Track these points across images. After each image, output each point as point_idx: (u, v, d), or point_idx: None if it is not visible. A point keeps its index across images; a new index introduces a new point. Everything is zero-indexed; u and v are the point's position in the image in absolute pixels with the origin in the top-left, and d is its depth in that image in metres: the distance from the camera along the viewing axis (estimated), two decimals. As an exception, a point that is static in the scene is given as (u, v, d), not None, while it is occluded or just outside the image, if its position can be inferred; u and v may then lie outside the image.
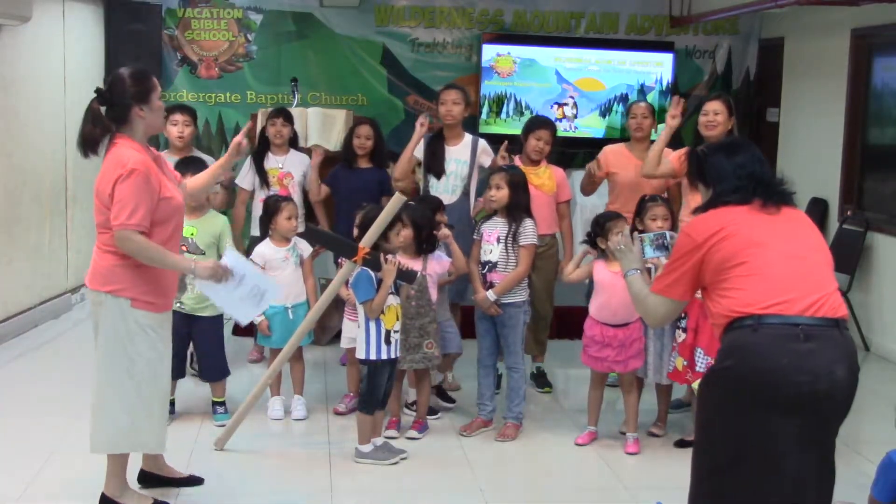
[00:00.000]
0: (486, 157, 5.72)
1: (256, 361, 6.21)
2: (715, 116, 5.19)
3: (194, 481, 4.27)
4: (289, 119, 6.08)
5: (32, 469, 4.38)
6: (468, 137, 5.75)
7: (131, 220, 3.61)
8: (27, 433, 4.83)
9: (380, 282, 4.47)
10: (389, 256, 4.53)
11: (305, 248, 5.23)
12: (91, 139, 3.72)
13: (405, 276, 4.56)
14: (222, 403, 5.12)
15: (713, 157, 3.19)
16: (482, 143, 5.78)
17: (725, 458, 2.90)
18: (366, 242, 4.41)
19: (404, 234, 4.80)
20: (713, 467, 2.95)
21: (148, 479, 4.20)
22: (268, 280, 4.23)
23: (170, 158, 5.28)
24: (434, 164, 5.67)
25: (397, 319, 4.58)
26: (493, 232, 4.93)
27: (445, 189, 5.64)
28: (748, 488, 2.87)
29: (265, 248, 5.16)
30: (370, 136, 5.97)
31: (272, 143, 6.04)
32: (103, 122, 3.71)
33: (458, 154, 5.69)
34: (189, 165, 4.80)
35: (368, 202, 5.04)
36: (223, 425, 4.81)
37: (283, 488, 4.31)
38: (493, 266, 4.90)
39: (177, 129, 5.67)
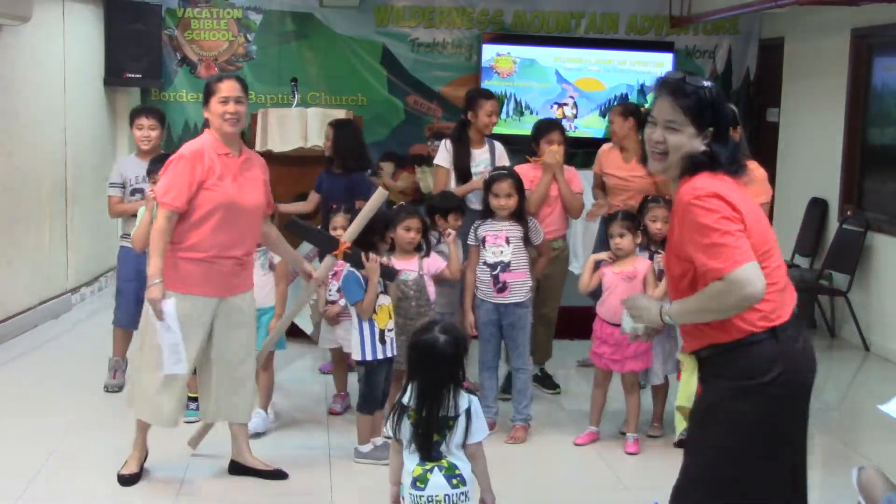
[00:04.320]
0: (504, 159, 5.79)
1: None
2: None
3: (279, 475, 4.38)
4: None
5: (32, 469, 4.38)
6: (486, 140, 5.81)
7: (164, 197, 3.99)
8: (27, 433, 4.83)
9: (367, 281, 4.48)
10: (371, 255, 4.52)
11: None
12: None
13: (385, 273, 4.56)
14: (195, 399, 5.06)
15: (724, 103, 2.77)
16: (499, 145, 5.83)
17: (766, 469, 2.72)
18: (347, 237, 4.40)
19: (414, 236, 4.81)
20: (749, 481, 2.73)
21: (236, 469, 4.41)
22: (184, 350, 4.05)
23: (138, 161, 5.47)
24: (463, 166, 5.68)
25: (390, 318, 4.58)
26: (500, 234, 4.92)
27: None
28: (770, 485, 2.75)
29: None
30: (329, 137, 5.99)
31: None
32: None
33: (482, 156, 5.74)
34: (159, 163, 4.95)
35: (340, 206, 5.05)
36: (191, 421, 4.75)
37: (283, 488, 4.31)
38: (506, 266, 4.89)
39: (142, 132, 5.52)
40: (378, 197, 4.37)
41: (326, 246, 4.53)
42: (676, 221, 2.74)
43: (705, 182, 2.68)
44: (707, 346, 2.75)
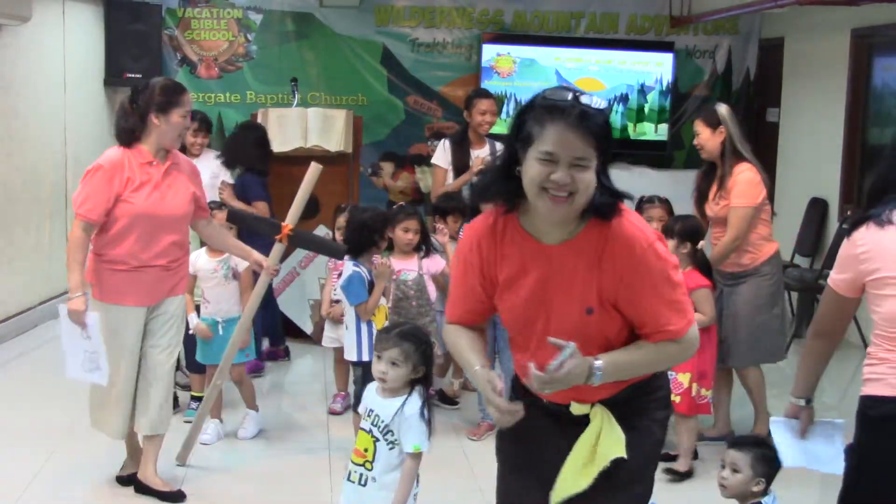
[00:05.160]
0: None
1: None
2: (697, 138, 4.85)
3: (178, 497, 4.16)
4: (205, 124, 5.99)
5: (33, 468, 4.38)
6: (487, 141, 5.81)
7: (79, 208, 3.90)
8: (27, 433, 4.84)
9: (370, 283, 4.48)
10: (380, 260, 4.51)
11: (240, 262, 4.80)
12: (122, 131, 4.01)
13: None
14: (199, 399, 4.95)
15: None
16: (500, 146, 5.82)
17: None
18: (290, 220, 4.28)
19: (412, 237, 4.82)
20: None
21: (128, 482, 4.23)
22: (104, 361, 4.01)
23: None
24: (462, 166, 5.69)
25: (386, 319, 4.59)
26: None
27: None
28: None
29: (198, 258, 4.87)
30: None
31: (189, 151, 5.77)
32: (129, 118, 3.98)
33: (482, 156, 5.74)
34: None
35: (347, 206, 5.04)
36: (191, 421, 4.71)
37: (283, 488, 4.32)
38: None
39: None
40: (312, 172, 4.22)
41: (269, 231, 4.44)
42: (611, 264, 2.27)
43: (642, 221, 2.35)
44: (627, 387, 2.41)
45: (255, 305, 4.41)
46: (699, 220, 4.76)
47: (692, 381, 4.46)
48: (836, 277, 2.83)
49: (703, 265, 4.55)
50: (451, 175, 5.73)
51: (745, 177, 4.68)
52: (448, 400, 5.47)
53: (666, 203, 5.03)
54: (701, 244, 4.58)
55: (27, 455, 4.53)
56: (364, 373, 4.58)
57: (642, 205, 4.98)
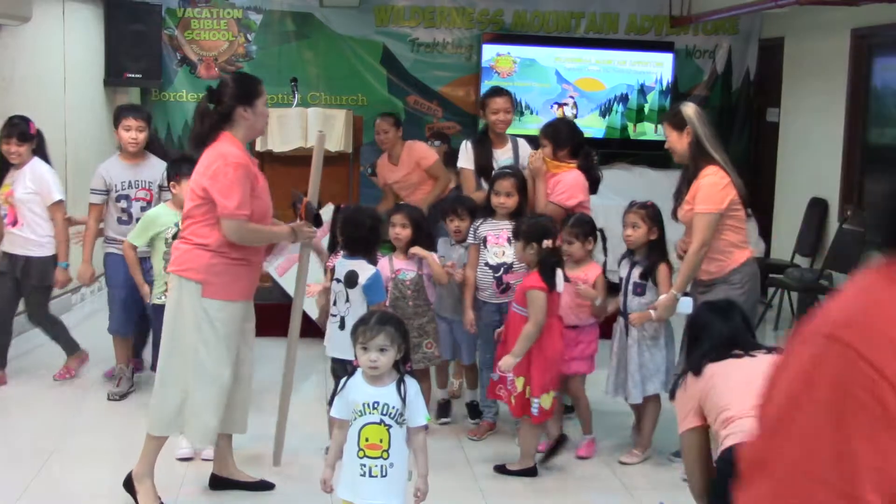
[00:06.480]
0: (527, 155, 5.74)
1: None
2: (667, 142, 4.63)
3: (265, 486, 4.24)
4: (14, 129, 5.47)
5: (32, 469, 4.37)
6: (510, 139, 5.72)
7: (240, 209, 3.76)
8: (27, 433, 4.83)
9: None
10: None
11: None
12: (199, 135, 3.92)
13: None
14: None
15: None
16: (522, 141, 5.74)
17: None
18: (309, 196, 4.16)
19: (403, 234, 4.82)
20: None
21: (219, 483, 4.23)
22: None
23: (121, 163, 5.37)
24: (483, 166, 5.57)
25: None
26: (501, 233, 4.87)
27: None
28: None
29: None
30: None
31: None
32: (211, 119, 3.88)
33: (504, 156, 5.66)
34: (183, 165, 4.74)
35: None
36: None
37: (283, 489, 4.31)
38: (508, 267, 4.83)
39: (129, 134, 5.27)
40: (319, 141, 4.14)
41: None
42: None
43: None
44: None
45: (304, 284, 4.25)
46: (548, 220, 4.56)
47: (525, 384, 4.34)
48: (685, 421, 3.20)
49: (546, 267, 4.35)
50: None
51: (708, 181, 4.37)
52: (477, 413, 5.19)
53: (649, 208, 4.71)
54: (546, 243, 4.35)
55: (27, 455, 4.52)
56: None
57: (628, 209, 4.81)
